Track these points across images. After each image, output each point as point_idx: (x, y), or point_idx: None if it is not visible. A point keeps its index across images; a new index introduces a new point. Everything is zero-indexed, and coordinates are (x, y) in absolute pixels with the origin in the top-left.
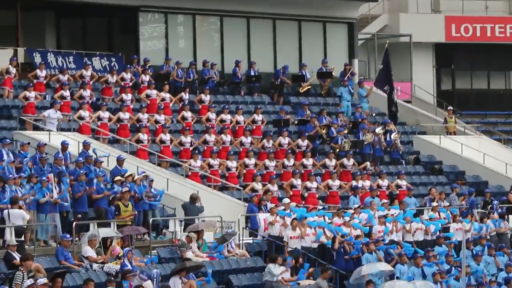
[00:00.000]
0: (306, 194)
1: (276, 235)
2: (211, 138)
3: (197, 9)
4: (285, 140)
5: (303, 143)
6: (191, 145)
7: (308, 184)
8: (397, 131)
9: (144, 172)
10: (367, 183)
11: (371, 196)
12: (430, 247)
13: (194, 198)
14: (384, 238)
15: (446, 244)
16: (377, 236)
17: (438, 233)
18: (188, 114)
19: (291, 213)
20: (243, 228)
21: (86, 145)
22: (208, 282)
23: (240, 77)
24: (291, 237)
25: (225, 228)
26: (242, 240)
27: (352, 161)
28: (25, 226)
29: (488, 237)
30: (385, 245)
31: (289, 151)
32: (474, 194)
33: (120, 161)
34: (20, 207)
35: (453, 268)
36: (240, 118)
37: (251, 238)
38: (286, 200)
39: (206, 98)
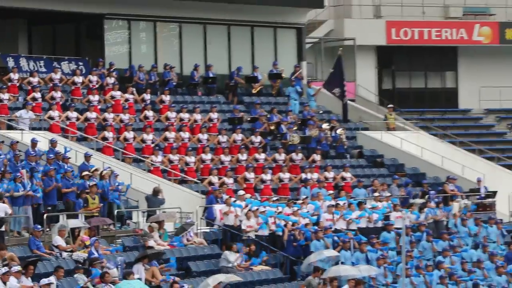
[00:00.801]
0: (262, 186)
1: (231, 225)
2: (171, 135)
3: (158, 16)
4: (238, 137)
5: (256, 139)
6: (152, 142)
7: (263, 176)
8: (342, 127)
9: (109, 167)
10: (315, 175)
11: (318, 187)
12: (375, 234)
13: (156, 191)
14: (331, 226)
15: (394, 231)
16: (325, 224)
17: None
18: (149, 113)
19: (242, 204)
20: (200, 218)
21: (53, 142)
22: (173, 266)
23: (197, 79)
24: (246, 226)
25: (184, 218)
26: (200, 229)
27: (300, 155)
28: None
29: (426, 224)
30: (333, 233)
31: (243, 146)
32: (413, 185)
33: (87, 157)
34: (4, 202)
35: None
36: (198, 116)
37: (208, 227)
38: (241, 192)
39: (166, 98)
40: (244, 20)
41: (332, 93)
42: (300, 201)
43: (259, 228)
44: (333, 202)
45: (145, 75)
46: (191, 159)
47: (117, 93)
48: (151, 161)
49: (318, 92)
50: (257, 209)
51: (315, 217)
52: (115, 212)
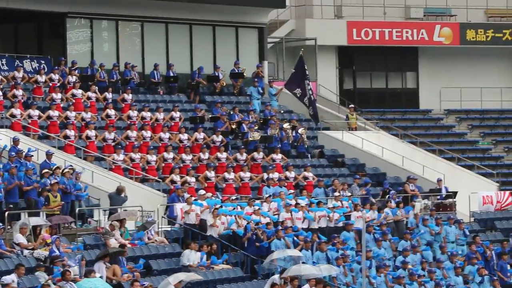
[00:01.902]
0: (224, 185)
1: (192, 223)
2: (132, 134)
3: (120, 15)
4: (200, 136)
5: (218, 138)
6: (114, 141)
7: (226, 175)
8: (304, 126)
9: (71, 165)
10: (276, 175)
11: (280, 186)
12: (337, 234)
13: (120, 190)
14: (294, 226)
15: (353, 231)
16: (286, 224)
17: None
18: (111, 112)
19: (203, 203)
20: (161, 217)
21: (15, 141)
22: (140, 267)
23: (158, 78)
24: (211, 225)
25: (145, 217)
26: (161, 228)
27: (261, 154)
28: None
29: (386, 224)
30: (294, 232)
31: (204, 145)
32: (373, 185)
33: (48, 155)
34: None
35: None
36: (159, 115)
37: (169, 226)
38: (202, 192)
39: (128, 97)
40: (206, 20)
41: (293, 93)
42: (262, 200)
43: (228, 226)
44: (293, 202)
45: (105, 74)
46: (152, 157)
47: (79, 92)
48: (113, 159)
49: (279, 92)
50: (221, 207)
51: (276, 216)
52: (77, 210)
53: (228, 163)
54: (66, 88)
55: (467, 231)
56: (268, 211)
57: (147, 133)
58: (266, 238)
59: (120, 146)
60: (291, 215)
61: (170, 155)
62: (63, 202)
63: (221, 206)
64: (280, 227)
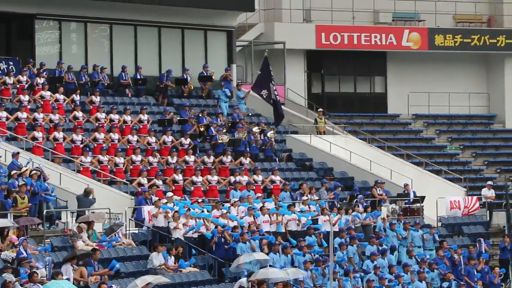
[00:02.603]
0: (192, 188)
1: (160, 226)
2: (100, 136)
3: (89, 17)
4: (168, 139)
5: (186, 141)
6: (82, 143)
7: (194, 178)
8: (272, 128)
9: (38, 166)
10: (245, 178)
11: (247, 190)
12: (302, 237)
13: (87, 192)
14: (261, 230)
15: (315, 235)
16: (252, 228)
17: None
18: (79, 114)
19: (173, 206)
20: (129, 219)
21: None
22: (116, 270)
23: (126, 79)
24: (174, 228)
25: (113, 219)
26: (129, 230)
27: (230, 158)
28: None
29: (353, 227)
30: (261, 235)
31: (173, 149)
32: (342, 189)
33: (15, 155)
34: None
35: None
36: (128, 118)
37: (137, 228)
38: (169, 194)
39: (96, 99)
40: (175, 23)
41: (260, 95)
42: (229, 204)
43: (189, 230)
44: (261, 205)
45: (73, 75)
46: (120, 160)
47: (47, 93)
48: (81, 161)
49: (247, 95)
50: (188, 210)
51: (242, 220)
52: (44, 212)
53: (196, 166)
54: (34, 90)
55: (437, 236)
56: (236, 214)
57: (115, 136)
58: (232, 241)
59: (88, 148)
60: (254, 219)
61: (138, 157)
62: (30, 204)
63: (189, 209)
64: (245, 231)
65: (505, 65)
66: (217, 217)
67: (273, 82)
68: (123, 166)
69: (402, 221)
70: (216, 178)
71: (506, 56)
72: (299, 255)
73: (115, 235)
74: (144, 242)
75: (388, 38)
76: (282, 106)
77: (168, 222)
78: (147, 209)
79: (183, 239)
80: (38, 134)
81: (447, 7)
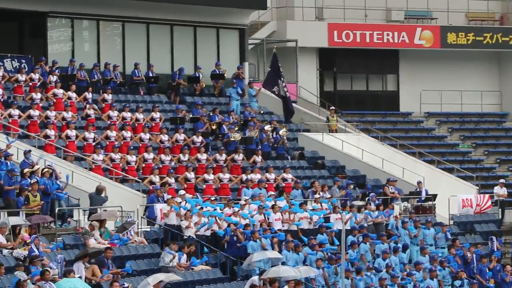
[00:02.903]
0: (204, 186)
1: (172, 224)
2: (112, 134)
3: (101, 15)
4: (180, 137)
5: (198, 139)
6: (94, 141)
7: (206, 176)
8: (284, 126)
9: (50, 165)
10: (257, 176)
11: (259, 188)
12: (313, 236)
13: (100, 190)
14: (272, 228)
15: (327, 233)
16: (263, 226)
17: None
18: (91, 112)
19: (186, 205)
20: (141, 217)
21: None
22: (128, 270)
23: (139, 78)
24: (186, 227)
25: (125, 217)
26: (141, 228)
27: (241, 156)
28: None
29: (366, 226)
30: (272, 233)
31: (185, 147)
32: (354, 187)
33: (27, 153)
34: None
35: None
36: (140, 115)
37: (149, 226)
38: (182, 192)
39: (109, 97)
40: (187, 20)
41: (272, 91)
42: (242, 202)
43: (201, 226)
44: (272, 203)
45: (86, 73)
46: (132, 158)
47: (60, 91)
48: (93, 159)
49: (259, 93)
50: (202, 208)
51: (254, 218)
52: (56, 210)
53: (208, 164)
54: (46, 88)
55: (449, 234)
56: (248, 213)
57: (128, 134)
58: (244, 239)
59: (99, 146)
60: (265, 217)
61: (150, 155)
62: (42, 202)
63: (202, 208)
64: (256, 229)
65: None
66: (229, 215)
67: (282, 79)
68: (135, 164)
69: (413, 219)
70: (228, 176)
71: None
72: (311, 254)
73: (127, 234)
74: (156, 240)
75: (400, 36)
76: (294, 104)
77: (181, 220)
78: (159, 207)
79: (195, 237)
80: (51, 132)
81: (459, 5)
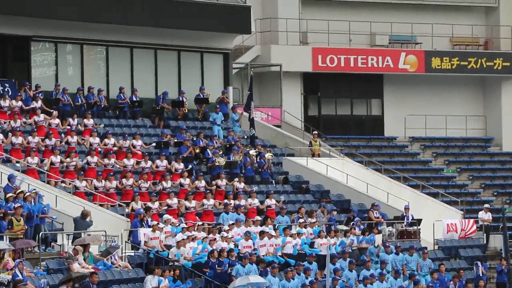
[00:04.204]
0: (185, 212)
1: (156, 249)
2: (93, 160)
3: (85, 39)
4: (162, 163)
5: (179, 166)
6: (75, 167)
7: (186, 203)
8: (271, 152)
9: (34, 189)
10: (241, 201)
11: (243, 213)
12: (300, 261)
13: (85, 214)
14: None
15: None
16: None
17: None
18: (73, 139)
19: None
20: (125, 241)
21: None
22: None
23: (124, 102)
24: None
25: (109, 241)
26: (125, 252)
27: (225, 181)
28: None
29: (350, 251)
30: (257, 259)
31: (167, 173)
32: (338, 212)
33: (10, 179)
34: None
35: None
36: (123, 141)
37: (133, 251)
38: (166, 217)
39: (89, 122)
40: (171, 45)
41: (249, 114)
42: (225, 227)
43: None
44: (254, 229)
45: (69, 97)
46: (113, 184)
47: (42, 118)
48: (75, 185)
49: (241, 117)
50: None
51: (239, 244)
52: (40, 234)
53: (191, 189)
54: (29, 113)
55: (431, 263)
56: (232, 237)
57: (110, 160)
58: (228, 264)
59: (82, 172)
60: (252, 242)
61: (130, 181)
62: (26, 227)
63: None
64: (241, 254)
65: (502, 88)
66: (214, 240)
67: (252, 101)
68: (117, 189)
69: (395, 245)
70: (212, 201)
71: (503, 79)
72: (296, 279)
73: (111, 258)
74: (140, 264)
75: (384, 61)
76: (278, 129)
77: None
78: (143, 232)
79: (179, 262)
80: (33, 160)
81: (443, 30)
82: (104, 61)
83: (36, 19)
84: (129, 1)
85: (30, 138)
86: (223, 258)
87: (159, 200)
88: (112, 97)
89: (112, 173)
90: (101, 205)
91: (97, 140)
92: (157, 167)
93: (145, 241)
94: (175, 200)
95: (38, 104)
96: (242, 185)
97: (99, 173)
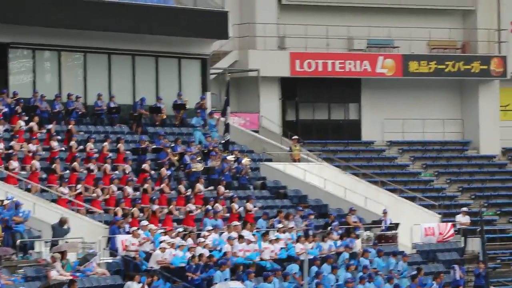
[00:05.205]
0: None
1: (132, 256)
2: (76, 165)
3: (62, 46)
4: (144, 168)
5: (160, 170)
6: (55, 172)
7: (166, 208)
8: (248, 157)
9: (12, 197)
10: (220, 206)
11: (215, 219)
12: (281, 265)
13: (62, 221)
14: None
15: (296, 262)
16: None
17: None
18: (55, 143)
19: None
20: (103, 248)
21: None
22: None
23: (102, 109)
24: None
25: (87, 248)
26: (103, 259)
27: (204, 186)
28: None
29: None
30: (237, 264)
31: (149, 178)
32: (316, 217)
33: None
34: None
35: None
36: (104, 147)
37: (111, 258)
38: (144, 223)
39: (71, 128)
40: (149, 51)
41: (225, 118)
42: (205, 232)
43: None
44: (234, 234)
45: (47, 104)
46: (96, 189)
47: (22, 123)
48: (57, 191)
49: (218, 123)
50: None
51: (219, 249)
52: (18, 241)
53: (170, 196)
54: (9, 119)
55: (409, 271)
56: (211, 243)
57: (92, 165)
58: (207, 270)
59: (64, 178)
60: (232, 248)
61: (114, 187)
62: (3, 234)
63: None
64: (221, 259)
65: (479, 91)
66: (194, 246)
67: (228, 106)
68: (99, 195)
69: (377, 249)
70: (192, 206)
71: (480, 82)
72: (275, 283)
73: (89, 265)
74: (118, 271)
75: (362, 65)
76: (256, 134)
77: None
78: (120, 239)
79: (157, 268)
80: (14, 164)
81: (421, 34)
82: (81, 68)
83: (14, 26)
84: (106, 8)
85: (12, 143)
86: (203, 263)
87: (142, 204)
88: (90, 104)
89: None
90: (78, 211)
91: (77, 145)
92: (141, 172)
93: (126, 246)
94: (156, 205)
95: (18, 110)
96: (222, 188)
97: (82, 179)
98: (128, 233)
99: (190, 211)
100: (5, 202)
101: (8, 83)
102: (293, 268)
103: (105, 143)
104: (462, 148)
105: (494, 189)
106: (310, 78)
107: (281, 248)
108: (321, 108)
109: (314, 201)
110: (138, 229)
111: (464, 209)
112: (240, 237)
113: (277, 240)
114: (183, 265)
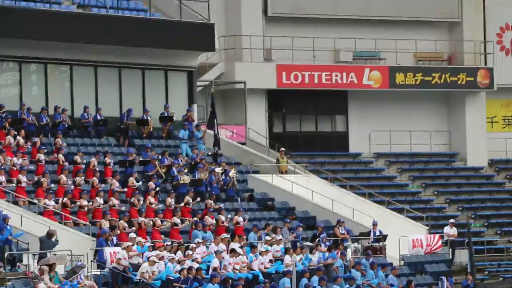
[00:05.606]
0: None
1: (122, 268)
2: (63, 178)
3: (49, 59)
4: (132, 181)
5: (148, 183)
6: (41, 185)
7: (154, 221)
8: (235, 169)
9: (2, 210)
10: (209, 219)
11: (204, 231)
12: (268, 279)
13: (50, 234)
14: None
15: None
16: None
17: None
18: (42, 156)
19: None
20: (91, 261)
21: None
22: None
23: (89, 121)
24: (145, 272)
25: (75, 261)
26: (91, 272)
27: (191, 198)
28: None
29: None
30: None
31: (136, 191)
32: (304, 229)
33: None
34: None
35: None
36: (91, 160)
37: (99, 270)
38: (133, 235)
39: (58, 141)
40: (135, 63)
41: (213, 130)
42: (194, 245)
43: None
44: (223, 247)
45: (34, 117)
46: (84, 202)
47: (9, 136)
48: (45, 204)
49: (204, 134)
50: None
51: (206, 263)
52: (6, 254)
53: (157, 209)
54: None
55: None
56: (199, 255)
57: (80, 178)
58: (198, 283)
59: (51, 191)
60: (220, 262)
61: (101, 200)
62: None
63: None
64: (210, 273)
65: (466, 103)
66: (183, 259)
67: (215, 118)
68: (86, 208)
69: (370, 261)
70: (179, 219)
71: (467, 94)
72: None
73: (77, 278)
74: (106, 283)
75: (349, 77)
76: (243, 146)
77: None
78: (108, 251)
79: (145, 281)
80: (1, 178)
81: (407, 46)
82: (68, 80)
83: (0, 39)
84: (92, 20)
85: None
86: (192, 276)
87: (130, 217)
88: (77, 116)
89: (83, 192)
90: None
91: (64, 158)
92: (128, 185)
93: (118, 259)
94: (143, 218)
95: (5, 124)
96: (211, 201)
97: (69, 191)
98: (116, 245)
99: (175, 224)
100: None
101: None
102: (285, 282)
103: (93, 158)
104: (450, 160)
105: (481, 201)
106: (296, 90)
107: (270, 261)
108: (308, 120)
109: (302, 213)
110: (133, 245)
111: (452, 220)
112: (232, 251)
113: (266, 252)
114: (172, 278)
